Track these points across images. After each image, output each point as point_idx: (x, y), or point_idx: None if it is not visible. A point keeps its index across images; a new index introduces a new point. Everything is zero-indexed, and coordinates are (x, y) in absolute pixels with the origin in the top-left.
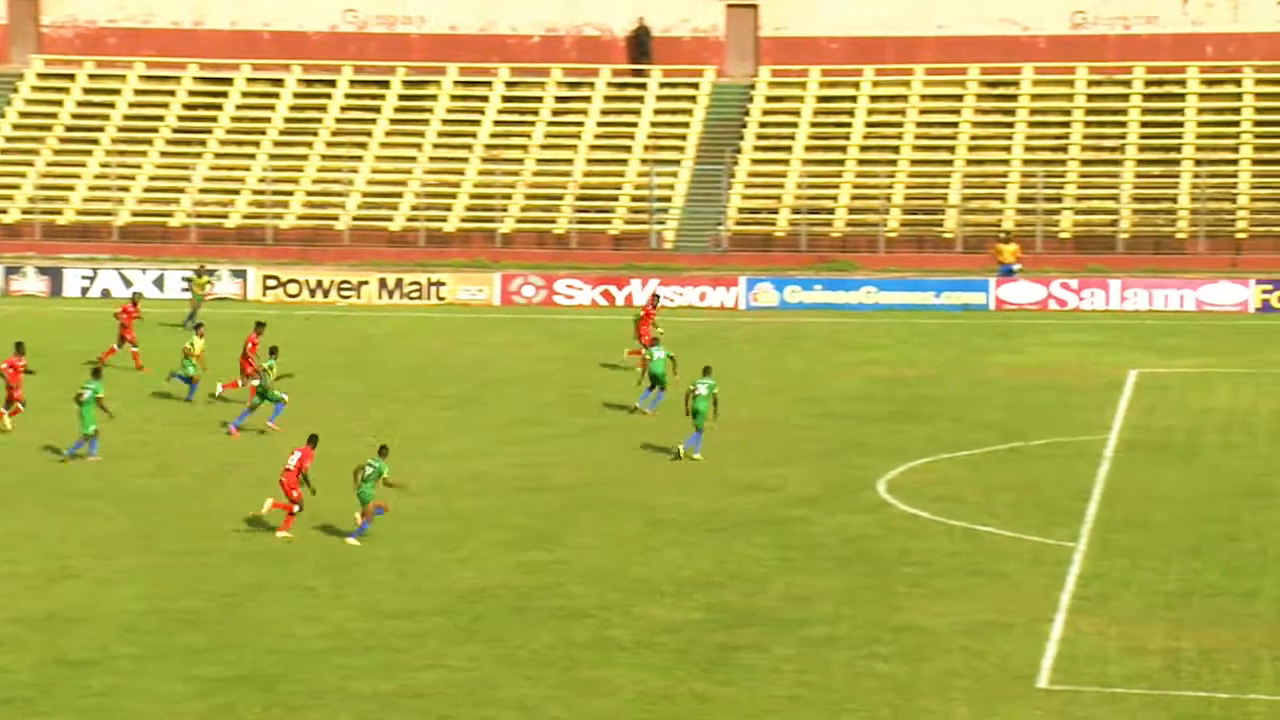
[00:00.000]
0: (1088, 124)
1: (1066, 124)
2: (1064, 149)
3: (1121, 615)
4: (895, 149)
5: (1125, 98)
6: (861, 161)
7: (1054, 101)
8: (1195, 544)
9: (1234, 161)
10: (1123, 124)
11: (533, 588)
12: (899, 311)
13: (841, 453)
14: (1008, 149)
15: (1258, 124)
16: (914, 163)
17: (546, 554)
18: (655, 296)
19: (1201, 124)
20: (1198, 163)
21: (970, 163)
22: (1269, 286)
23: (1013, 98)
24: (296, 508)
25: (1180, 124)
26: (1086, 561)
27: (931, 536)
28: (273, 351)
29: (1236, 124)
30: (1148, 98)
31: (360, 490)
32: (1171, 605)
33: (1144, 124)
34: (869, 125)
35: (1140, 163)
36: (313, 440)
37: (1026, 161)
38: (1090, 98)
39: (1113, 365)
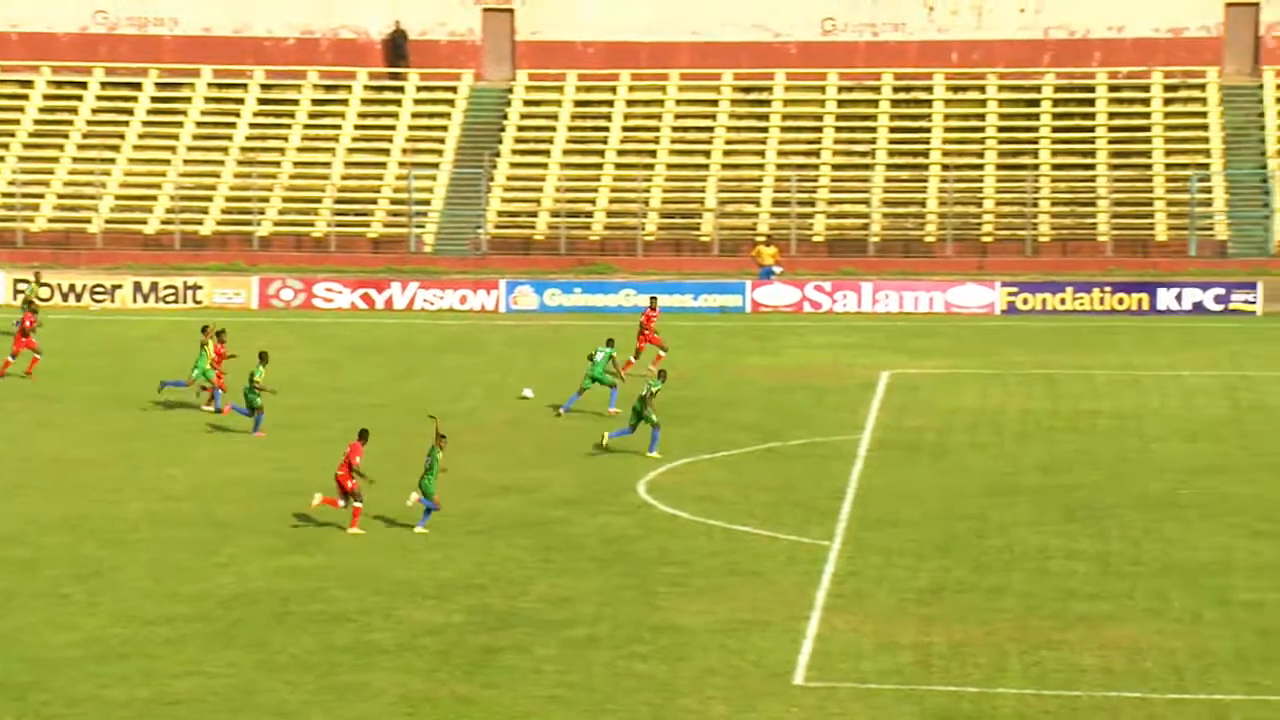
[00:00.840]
0: (839, 129)
1: (818, 129)
2: (816, 154)
3: (875, 612)
4: (652, 153)
5: (874, 103)
6: (619, 165)
7: (806, 107)
8: (945, 541)
9: (979, 166)
10: (872, 129)
11: (293, 592)
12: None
13: (601, 454)
14: (761, 153)
15: (1001, 129)
16: (670, 167)
17: (307, 558)
18: (653, 299)
19: (948, 130)
20: (944, 168)
21: (725, 167)
22: (1014, 289)
23: (766, 103)
24: (356, 501)
25: (928, 130)
26: (841, 560)
27: (691, 536)
28: (262, 358)
29: (981, 129)
30: (896, 104)
31: (424, 480)
32: (923, 602)
33: (893, 129)
34: (626, 129)
35: (889, 167)
36: (363, 435)
37: (780, 166)
38: (841, 103)
39: (865, 366)
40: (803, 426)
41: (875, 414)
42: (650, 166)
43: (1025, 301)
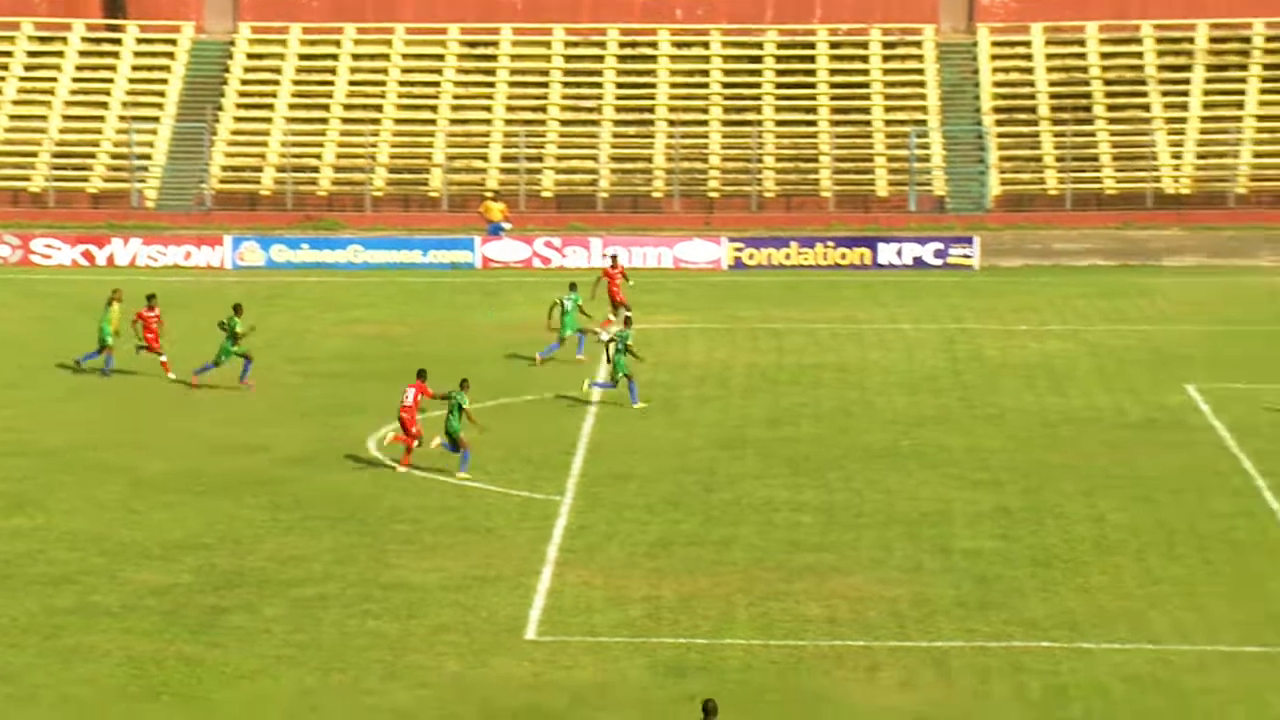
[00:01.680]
0: (565, 84)
1: (545, 84)
2: (543, 109)
3: (606, 566)
4: (379, 108)
5: (600, 59)
6: (345, 120)
7: (532, 61)
8: (675, 495)
9: (704, 123)
10: (599, 85)
11: (14, 555)
12: (387, 270)
13: (331, 412)
14: (489, 109)
15: (725, 86)
16: (398, 121)
17: (28, 520)
18: (614, 257)
19: (673, 85)
20: (670, 123)
21: (453, 122)
22: (740, 244)
23: (492, 58)
24: (416, 443)
25: (653, 85)
26: (573, 514)
27: (422, 494)
28: (236, 309)
29: (706, 85)
30: (622, 59)
31: (449, 426)
32: (653, 555)
33: (619, 85)
34: (352, 84)
35: (617, 123)
36: (421, 374)
37: (508, 121)
38: (567, 59)
39: (595, 322)
40: (533, 382)
41: (605, 369)
42: (377, 121)
43: (751, 257)
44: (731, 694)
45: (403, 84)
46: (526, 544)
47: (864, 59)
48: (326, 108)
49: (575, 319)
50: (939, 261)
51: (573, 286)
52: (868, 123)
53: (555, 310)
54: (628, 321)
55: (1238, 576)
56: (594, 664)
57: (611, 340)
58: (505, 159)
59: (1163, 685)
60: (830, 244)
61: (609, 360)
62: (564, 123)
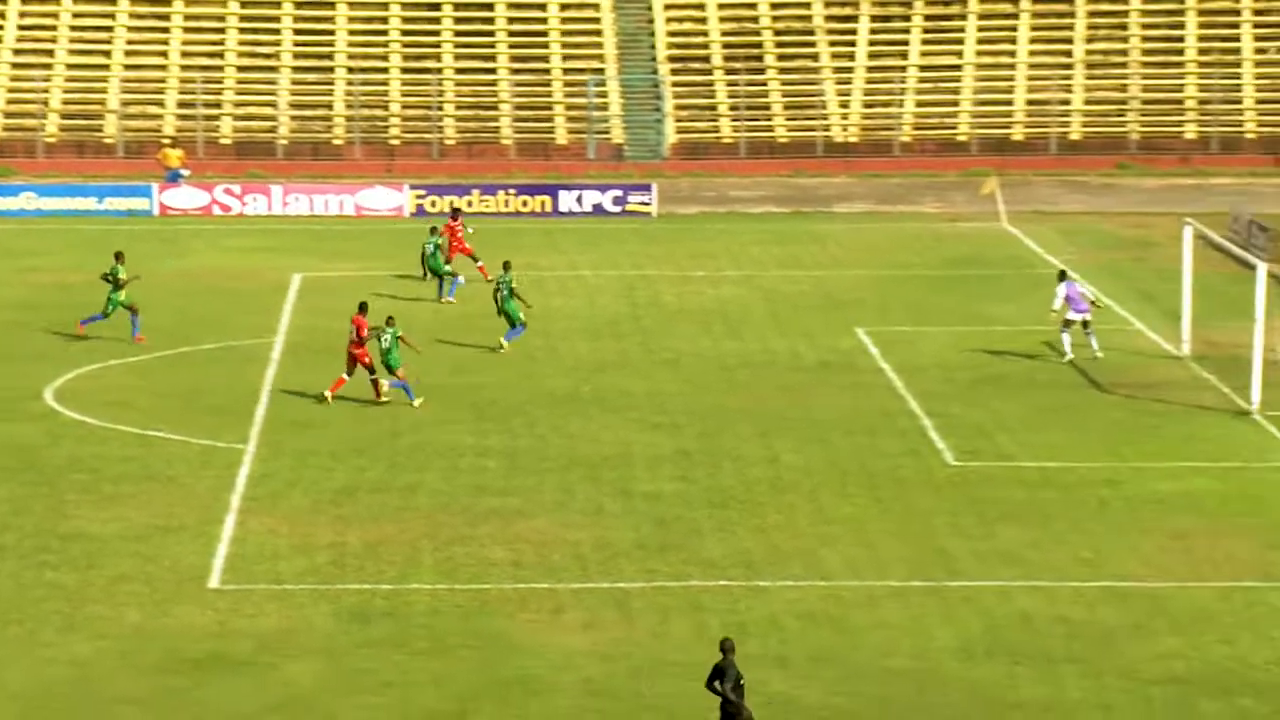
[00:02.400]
0: (242, 30)
1: (222, 30)
2: (221, 55)
3: (290, 513)
4: (50, 52)
5: (278, 4)
6: (15, 65)
7: (208, 6)
8: (359, 442)
9: (385, 70)
10: (277, 31)
11: None
12: (61, 217)
13: (6, 361)
14: (165, 54)
15: (404, 33)
16: (70, 66)
17: None
18: (456, 210)
19: (352, 33)
20: (350, 70)
21: (128, 67)
22: (422, 191)
23: (167, 2)
24: (372, 374)
25: (332, 32)
26: (256, 462)
27: (101, 443)
28: (118, 257)
29: (385, 33)
30: (300, 5)
31: (388, 359)
32: (338, 502)
33: (297, 31)
34: (21, 29)
35: (295, 69)
36: (362, 307)
37: (184, 67)
38: (244, 4)
39: (277, 269)
40: (215, 330)
41: (288, 317)
42: (49, 66)
43: (434, 204)
44: (416, 638)
45: (74, 28)
46: (209, 492)
47: (541, 7)
48: None
49: (440, 261)
50: (618, 209)
51: (433, 230)
52: (547, 71)
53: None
54: (506, 266)
55: (905, 514)
56: (278, 611)
57: (497, 288)
58: (182, 105)
59: (835, 620)
60: (511, 191)
61: (499, 309)
62: (241, 69)
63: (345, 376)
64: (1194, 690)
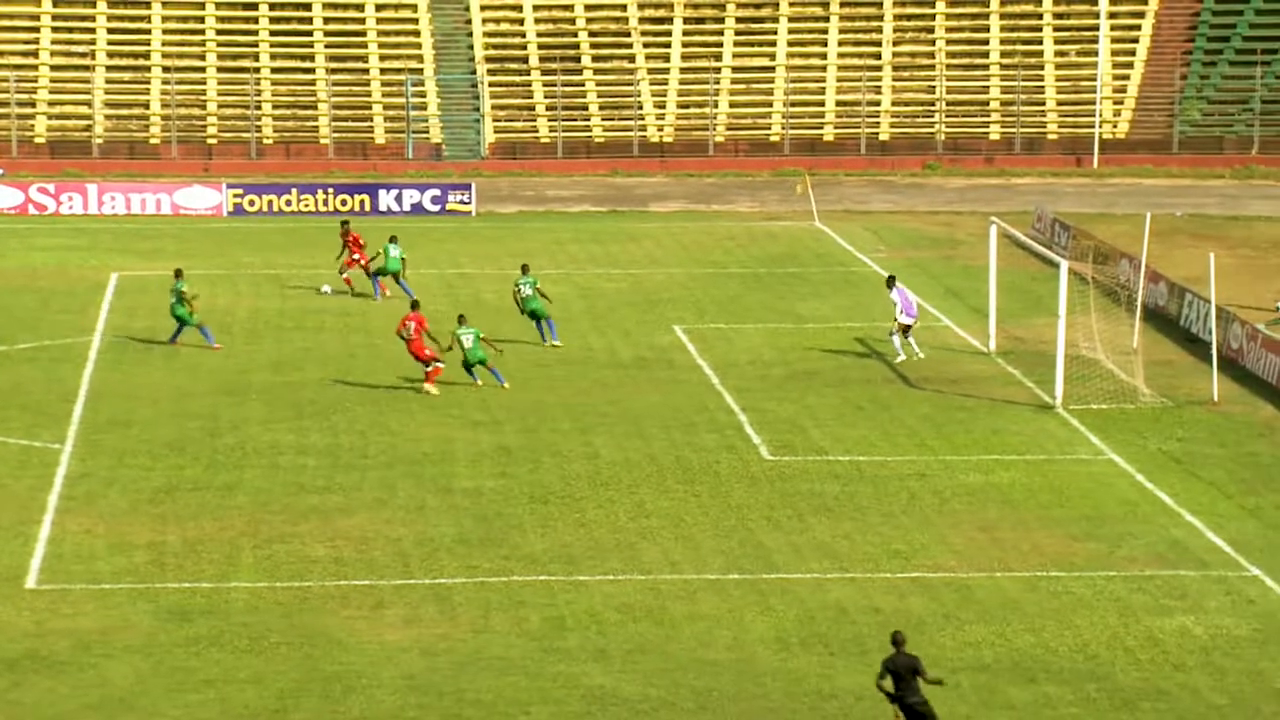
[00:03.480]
0: (55, 29)
1: (35, 29)
2: (35, 54)
3: (109, 513)
4: None
5: (93, 3)
6: None
7: (21, 5)
8: (178, 441)
9: (201, 69)
10: (92, 29)
11: None
12: None
13: None
14: None
15: (220, 32)
16: None
17: None
18: (345, 223)
19: (167, 31)
20: (166, 69)
21: None
22: (240, 190)
23: None
24: (439, 363)
25: (148, 31)
26: (74, 462)
27: None
28: (178, 274)
29: (201, 32)
30: (113, 4)
31: (471, 355)
32: (157, 501)
33: (111, 30)
34: None
35: (110, 68)
36: (415, 305)
37: None
38: (56, 2)
39: (94, 268)
40: (30, 330)
41: (105, 316)
42: None
43: (252, 203)
44: (236, 635)
45: None
46: (26, 492)
47: (359, 7)
48: None
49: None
50: (437, 208)
51: (524, 269)
52: (365, 70)
53: (516, 296)
54: (525, 269)
55: (722, 508)
56: (97, 611)
57: (516, 290)
58: None
59: (653, 613)
60: (330, 190)
61: (523, 311)
62: (55, 67)
63: (441, 365)
64: (1001, 678)
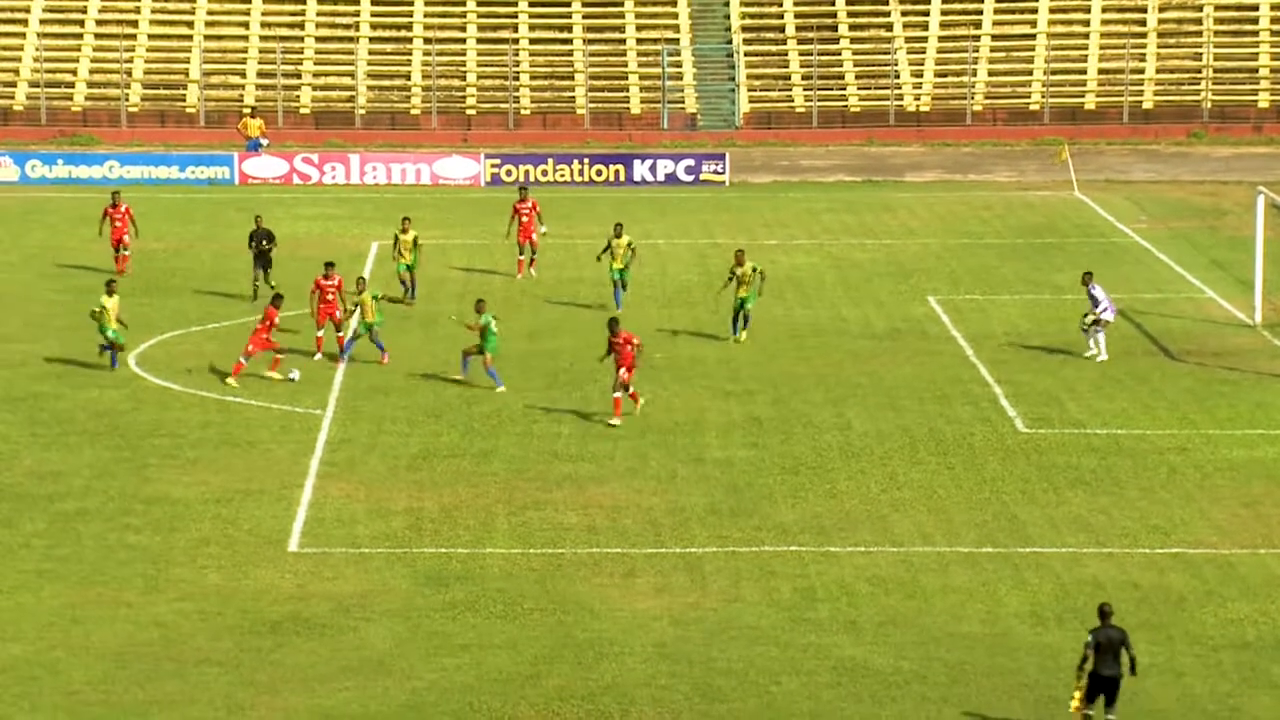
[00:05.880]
0: (321, 0)
1: (301, 1)
2: (300, 25)
3: (368, 478)
4: (134, 22)
5: None
6: (99, 35)
7: None
8: (435, 407)
9: (461, 40)
10: (356, 1)
11: None
12: (144, 186)
13: (89, 328)
14: (245, 24)
15: (480, 3)
16: (153, 36)
17: None
18: (524, 188)
19: (429, 3)
20: (427, 40)
21: (209, 37)
22: (497, 160)
23: None
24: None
25: (410, 2)
26: (334, 428)
27: (183, 408)
28: (359, 284)
29: (462, 3)
30: None
31: (489, 345)
32: (414, 467)
33: (375, 1)
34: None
35: (373, 40)
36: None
37: (264, 37)
38: None
39: (355, 237)
40: (294, 297)
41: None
42: (133, 36)
43: (509, 173)
44: (492, 601)
45: None
46: (288, 457)
47: None
48: (80, 22)
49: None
50: (691, 178)
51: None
52: (621, 41)
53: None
54: (748, 263)
55: (976, 480)
56: (356, 575)
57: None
58: (262, 75)
59: (905, 585)
60: (586, 160)
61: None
62: (320, 39)
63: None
64: (1264, 655)
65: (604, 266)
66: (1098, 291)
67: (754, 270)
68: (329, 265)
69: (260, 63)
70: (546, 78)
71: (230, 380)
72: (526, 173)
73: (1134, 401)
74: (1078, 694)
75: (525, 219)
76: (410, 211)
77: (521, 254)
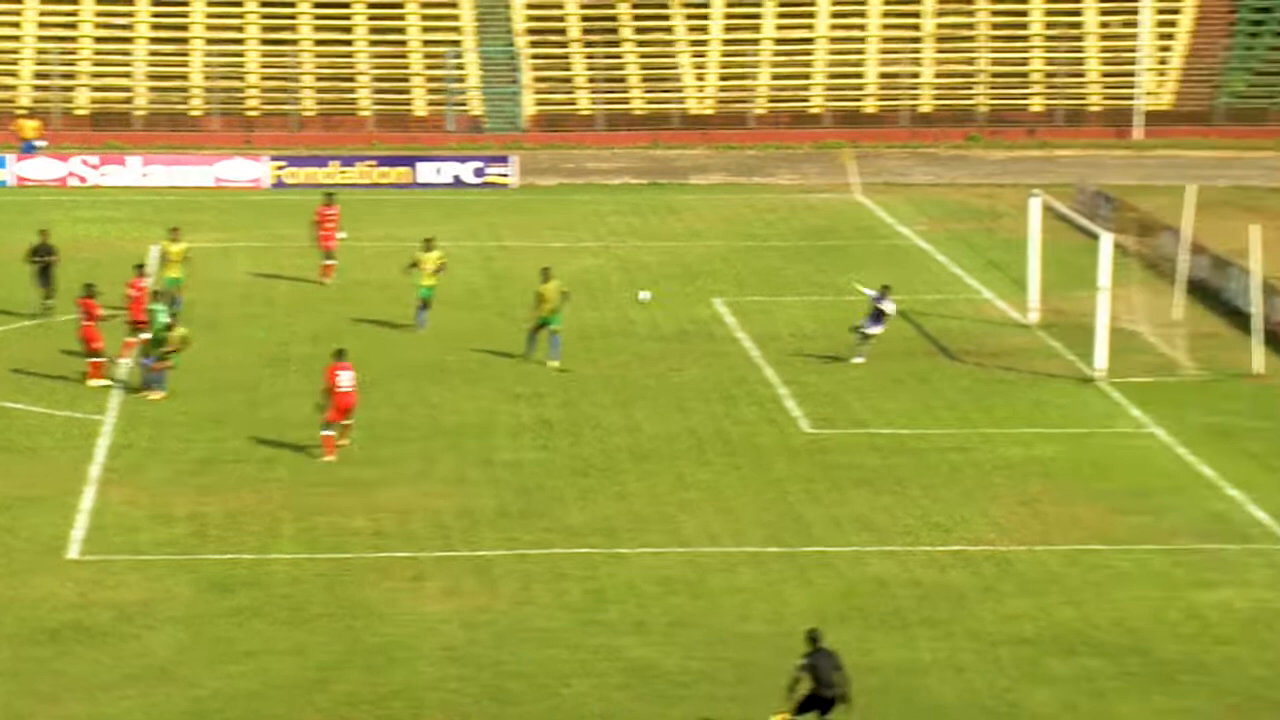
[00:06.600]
0: (97, 0)
1: (77, 1)
2: (75, 25)
3: (150, 484)
4: None
5: None
6: None
7: None
8: (219, 413)
9: (241, 41)
10: (132, 0)
11: None
12: None
13: None
14: (18, 24)
15: (262, 4)
16: None
17: None
18: (329, 195)
19: (209, 3)
20: (208, 41)
21: None
22: (281, 163)
23: None
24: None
25: (187, 2)
26: (116, 434)
27: None
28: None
29: (240, 3)
30: None
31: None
32: (197, 473)
33: (153, 1)
34: None
35: (152, 40)
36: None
37: (40, 38)
38: None
39: (135, 240)
40: (71, 301)
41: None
42: None
43: (293, 175)
44: (277, 607)
45: None
46: (69, 464)
47: None
48: None
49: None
50: (477, 180)
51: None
52: (404, 43)
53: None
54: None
55: (762, 481)
56: (139, 582)
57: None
58: (38, 75)
59: (693, 586)
60: (371, 163)
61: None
62: (98, 39)
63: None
64: (1042, 650)
65: (403, 276)
66: (888, 306)
67: (561, 292)
68: (138, 268)
69: (36, 63)
70: (330, 79)
71: (93, 382)
72: (310, 174)
73: (915, 401)
74: (785, 714)
75: (329, 225)
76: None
77: (328, 259)
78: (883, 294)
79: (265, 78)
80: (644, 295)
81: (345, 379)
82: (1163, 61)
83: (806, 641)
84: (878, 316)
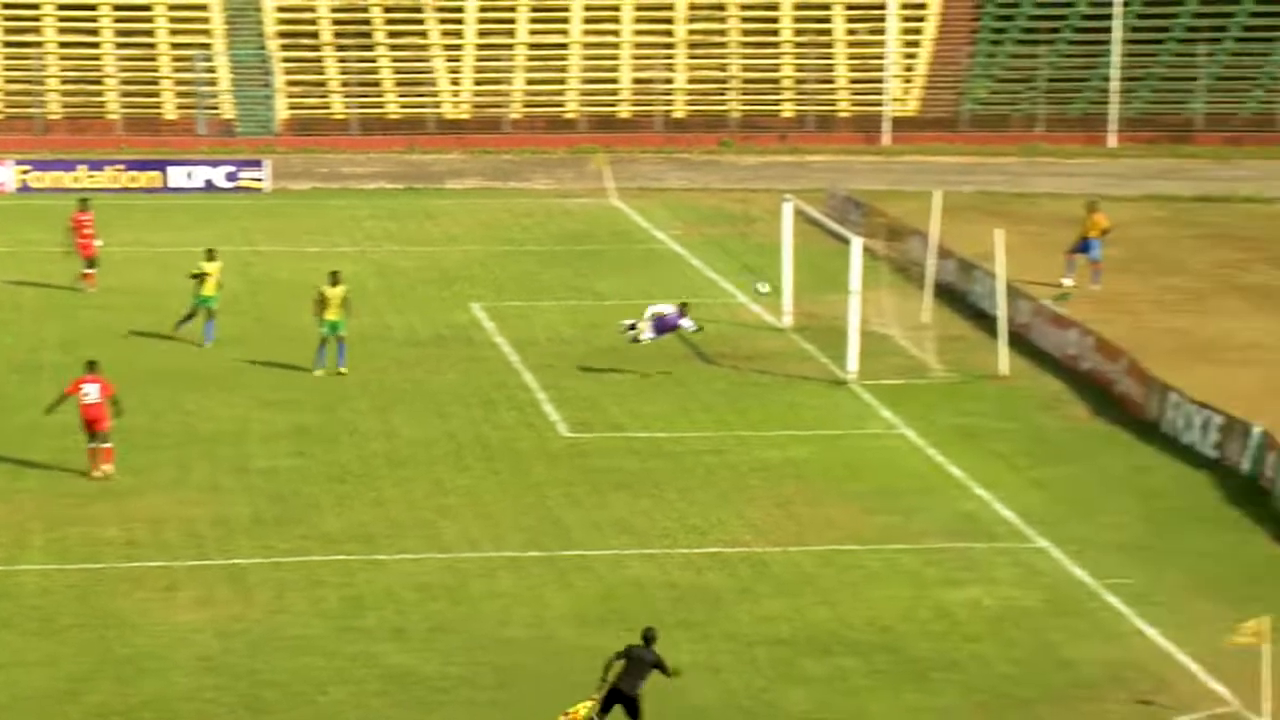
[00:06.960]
0: None
1: None
2: None
3: None
4: None
5: None
6: None
7: None
8: None
9: (96, 45)
10: None
11: None
12: None
13: None
14: None
15: (4, 6)
16: None
17: None
18: (84, 200)
19: (61, 8)
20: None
21: None
22: (26, 167)
23: None
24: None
25: (39, 6)
26: None
27: None
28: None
29: (95, 7)
30: None
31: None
32: None
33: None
34: None
35: (63, 43)
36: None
37: None
38: None
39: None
40: None
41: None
42: None
43: (39, 179)
44: (26, 618)
45: None
46: None
47: None
48: None
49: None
50: (230, 184)
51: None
52: (153, 45)
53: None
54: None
55: (521, 485)
56: None
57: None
58: None
59: (452, 591)
60: (120, 167)
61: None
62: None
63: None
64: (797, 650)
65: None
66: (686, 323)
67: (344, 296)
68: None
69: None
70: (76, 82)
71: None
72: (57, 179)
73: (672, 404)
74: (593, 701)
75: (87, 232)
76: None
77: (90, 267)
78: (682, 311)
79: (9, 80)
80: (762, 287)
81: (90, 391)
82: (909, 69)
83: (640, 637)
84: (662, 328)
